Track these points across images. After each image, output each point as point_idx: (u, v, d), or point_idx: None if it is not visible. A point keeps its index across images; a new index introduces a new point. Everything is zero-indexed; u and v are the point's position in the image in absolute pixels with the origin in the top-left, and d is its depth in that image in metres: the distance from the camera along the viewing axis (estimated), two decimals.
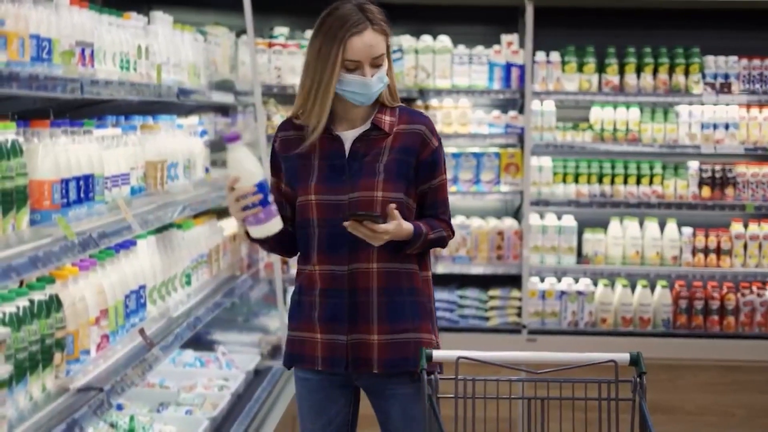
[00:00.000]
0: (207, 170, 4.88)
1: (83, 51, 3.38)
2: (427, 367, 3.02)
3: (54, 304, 2.97)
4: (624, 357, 3.07)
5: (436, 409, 2.96)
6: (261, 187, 3.14)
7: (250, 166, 3.15)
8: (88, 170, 3.33)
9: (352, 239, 3.22)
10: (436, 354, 3.08)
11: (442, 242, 3.43)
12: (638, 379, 3.03)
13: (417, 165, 3.35)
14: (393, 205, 3.22)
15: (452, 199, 6.75)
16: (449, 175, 6.78)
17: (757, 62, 6.80)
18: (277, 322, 5.65)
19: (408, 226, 3.25)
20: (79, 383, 3.09)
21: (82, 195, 3.28)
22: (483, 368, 3.01)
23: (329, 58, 3.23)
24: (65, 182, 3.16)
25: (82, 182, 3.28)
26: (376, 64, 3.27)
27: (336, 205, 3.27)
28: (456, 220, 6.86)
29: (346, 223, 3.17)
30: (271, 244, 3.39)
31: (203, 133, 4.91)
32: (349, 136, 3.34)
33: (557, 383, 3.05)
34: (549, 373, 3.07)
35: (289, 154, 3.35)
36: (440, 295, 6.64)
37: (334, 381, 3.35)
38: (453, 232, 3.49)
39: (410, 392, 3.33)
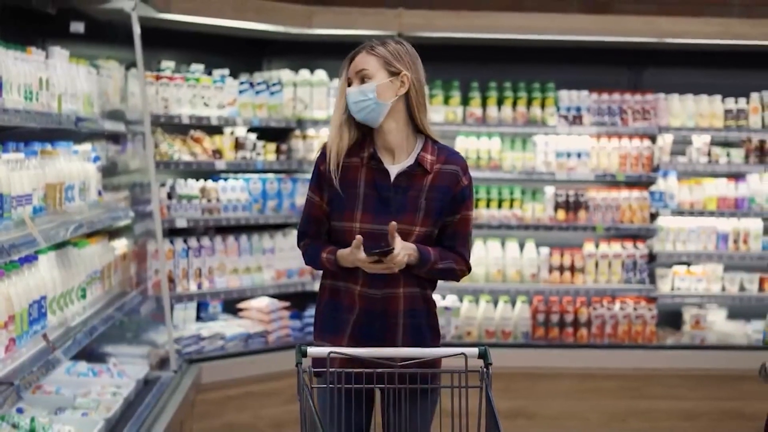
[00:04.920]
0: (100, 193, 5.21)
1: None
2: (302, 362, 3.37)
3: None
4: (473, 351, 3.43)
5: (311, 398, 3.35)
6: None
7: None
8: None
9: None
10: (311, 350, 3.41)
11: (453, 275, 3.63)
12: (485, 370, 3.43)
13: (449, 201, 3.57)
14: (393, 223, 3.42)
15: None
16: None
17: (605, 96, 7.25)
18: (164, 337, 5.96)
19: (412, 245, 3.48)
20: None
21: None
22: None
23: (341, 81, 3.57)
24: None
25: None
26: (360, 78, 3.51)
27: (381, 235, 3.46)
28: None
29: (366, 266, 3.43)
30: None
31: (96, 159, 5.22)
32: (394, 170, 3.54)
33: (416, 374, 3.46)
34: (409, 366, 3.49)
35: (334, 177, 3.53)
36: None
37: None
38: (469, 268, 3.66)
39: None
